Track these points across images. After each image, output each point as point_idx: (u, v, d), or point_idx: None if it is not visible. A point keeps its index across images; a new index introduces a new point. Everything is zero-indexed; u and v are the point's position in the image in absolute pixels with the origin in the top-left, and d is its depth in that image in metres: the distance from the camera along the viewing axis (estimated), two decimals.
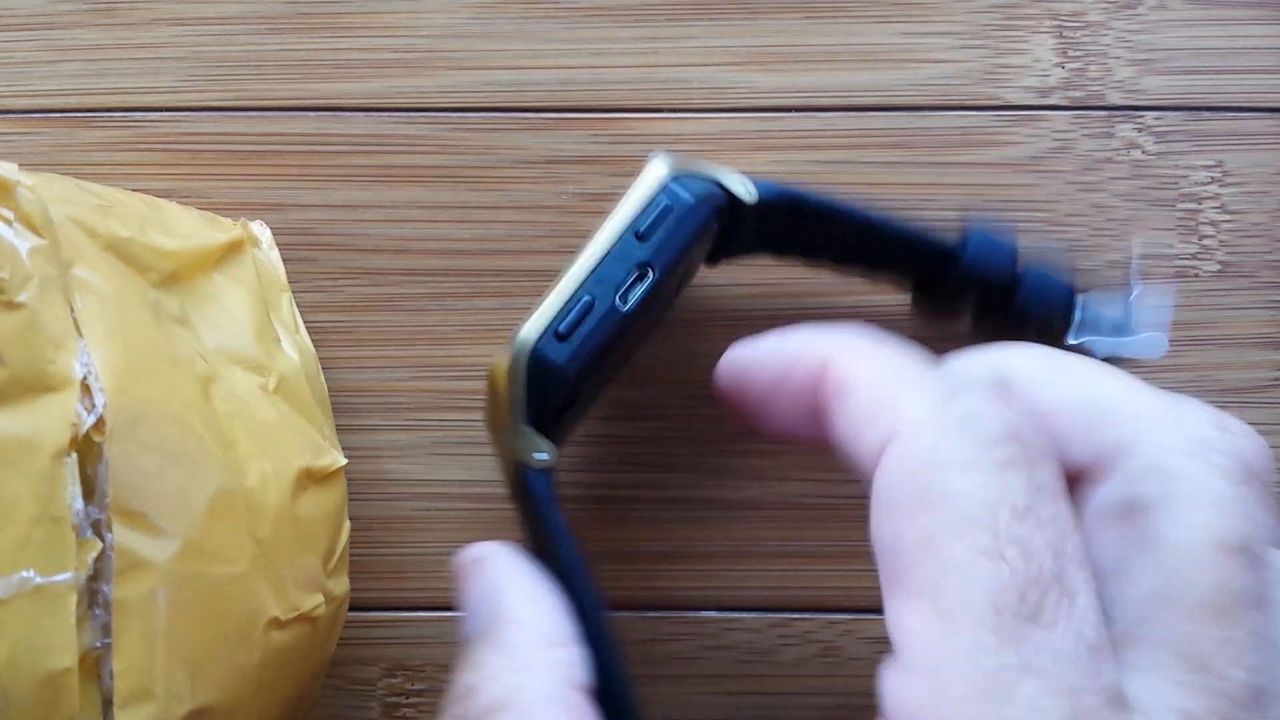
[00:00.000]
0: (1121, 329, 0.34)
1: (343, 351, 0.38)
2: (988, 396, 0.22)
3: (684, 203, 0.30)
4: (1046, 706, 0.19)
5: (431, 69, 0.39)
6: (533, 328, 0.28)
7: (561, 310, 0.28)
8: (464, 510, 0.37)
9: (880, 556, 0.22)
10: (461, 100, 0.39)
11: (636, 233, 0.29)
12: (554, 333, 0.28)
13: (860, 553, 0.29)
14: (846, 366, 0.24)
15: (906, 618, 0.21)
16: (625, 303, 0.29)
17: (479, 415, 0.37)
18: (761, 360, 0.27)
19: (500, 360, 0.28)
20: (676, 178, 0.30)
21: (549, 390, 0.28)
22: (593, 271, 0.29)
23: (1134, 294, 0.35)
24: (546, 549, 0.28)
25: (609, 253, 0.29)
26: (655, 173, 0.30)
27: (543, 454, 0.28)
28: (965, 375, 0.24)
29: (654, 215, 0.30)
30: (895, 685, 0.21)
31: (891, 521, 0.22)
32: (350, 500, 0.34)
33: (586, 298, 0.28)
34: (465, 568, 0.28)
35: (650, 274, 0.29)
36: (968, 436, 0.22)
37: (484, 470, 0.37)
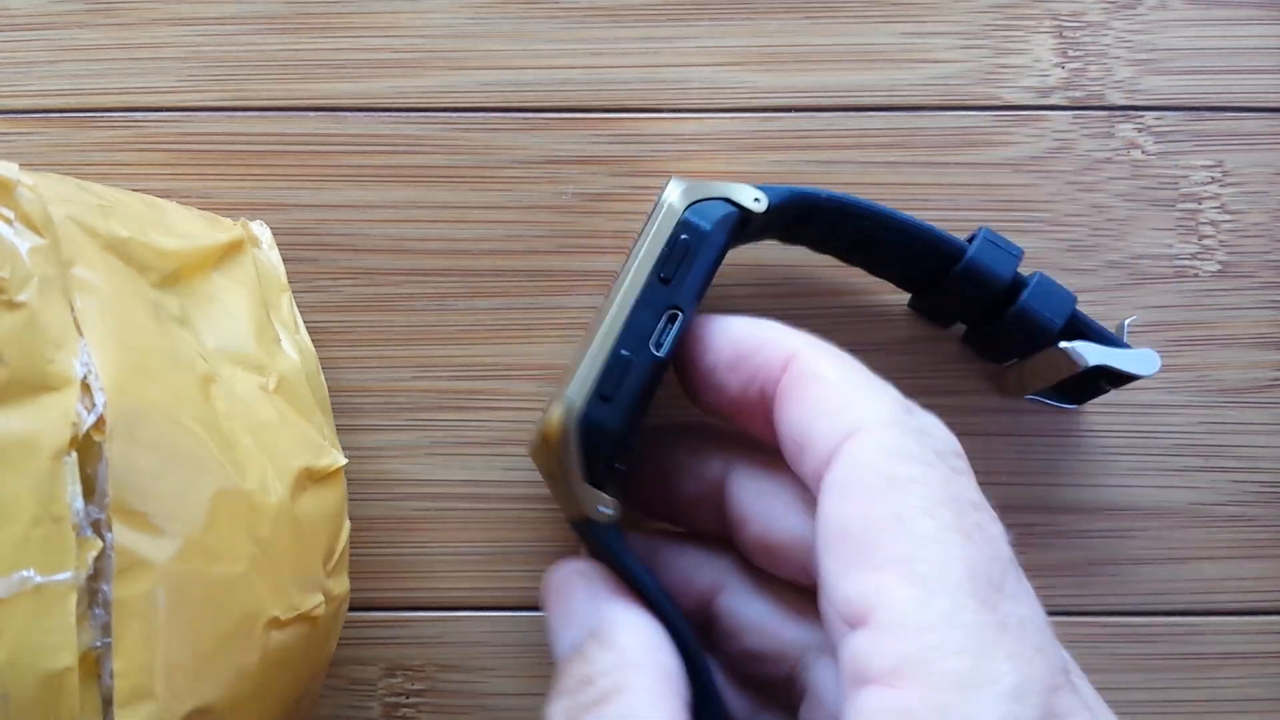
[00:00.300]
0: (1114, 342, 0.34)
1: (343, 351, 0.38)
2: (936, 420, 0.26)
3: (702, 233, 0.30)
4: (1027, 657, 0.22)
5: (431, 69, 0.39)
6: (577, 392, 0.29)
7: (603, 372, 0.29)
8: (464, 510, 0.37)
9: (836, 535, 0.24)
10: (461, 100, 0.39)
11: (660, 277, 0.30)
12: (598, 396, 0.29)
13: None
14: (812, 361, 0.27)
15: (881, 586, 0.22)
16: (660, 349, 0.30)
17: (479, 415, 0.37)
18: (728, 335, 0.29)
19: (552, 419, 0.29)
20: (691, 204, 0.31)
21: (601, 450, 0.29)
22: (625, 326, 0.29)
23: (1129, 319, 0.36)
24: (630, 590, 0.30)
25: (637, 301, 0.30)
26: (671, 200, 0.31)
27: (606, 508, 0.29)
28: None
29: (676, 254, 0.30)
30: (875, 645, 0.22)
31: (855, 502, 0.24)
32: (350, 500, 0.34)
33: (624, 353, 0.29)
34: (565, 580, 0.30)
35: (680, 315, 0.30)
36: (926, 444, 0.25)
37: (484, 470, 0.37)
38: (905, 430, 0.25)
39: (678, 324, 0.30)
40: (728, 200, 0.31)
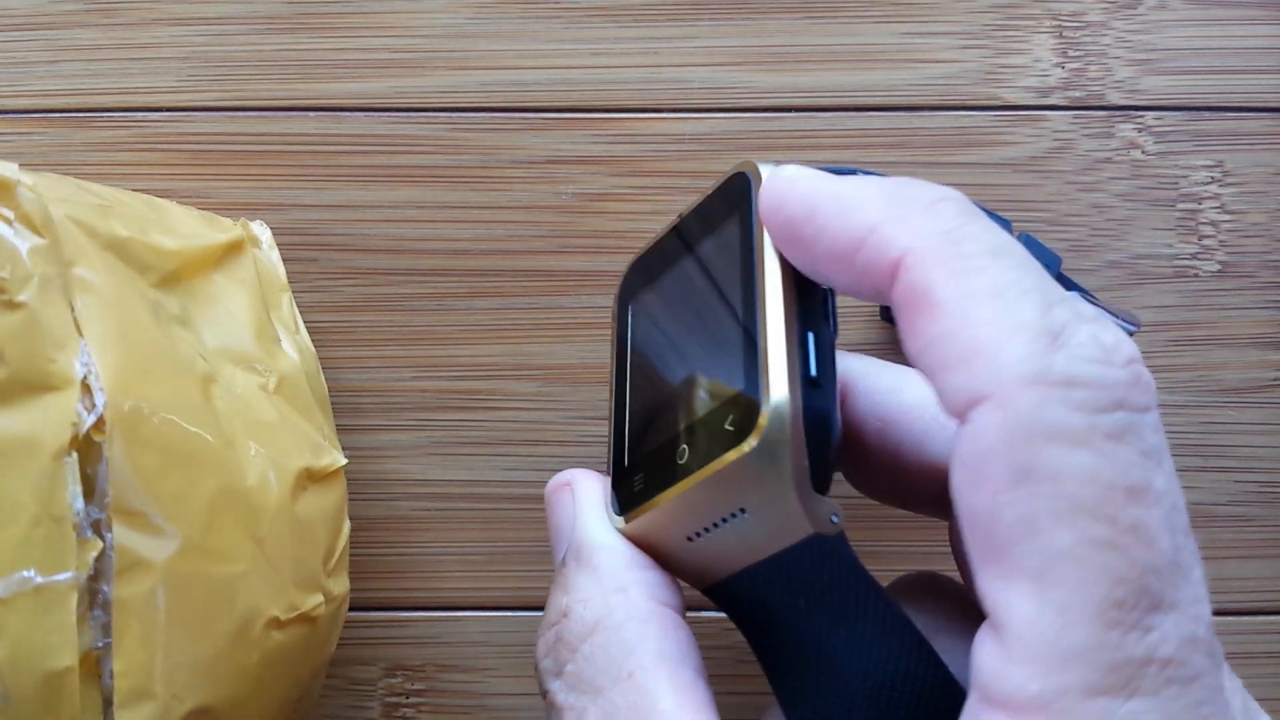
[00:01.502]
0: (1097, 304, 0.34)
1: (343, 351, 0.38)
2: (1094, 346, 0.20)
3: None
4: (1170, 695, 0.19)
5: (432, 69, 0.39)
6: (779, 385, 0.23)
7: (799, 356, 0.24)
8: (464, 510, 0.37)
9: (969, 522, 0.20)
10: (462, 100, 0.39)
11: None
12: (806, 381, 0.23)
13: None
14: (926, 276, 0.21)
15: (1011, 599, 0.20)
16: (830, 322, 0.25)
17: (479, 415, 0.37)
18: (828, 215, 0.23)
19: (762, 424, 0.23)
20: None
21: (826, 444, 0.24)
22: (796, 305, 0.24)
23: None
24: (863, 614, 0.24)
25: (789, 281, 0.24)
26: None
27: (836, 515, 0.24)
28: (1063, 302, 0.21)
29: None
30: (1007, 669, 0.19)
31: (985, 492, 0.20)
32: (350, 500, 0.34)
33: (810, 333, 0.24)
34: (553, 493, 0.28)
35: (827, 289, 0.25)
36: (1073, 404, 0.19)
37: (484, 470, 0.37)
38: (1047, 388, 0.19)
39: (833, 296, 0.25)
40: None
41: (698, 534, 0.25)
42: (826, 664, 0.24)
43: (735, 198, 0.26)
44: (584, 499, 0.27)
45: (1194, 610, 0.20)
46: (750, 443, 0.23)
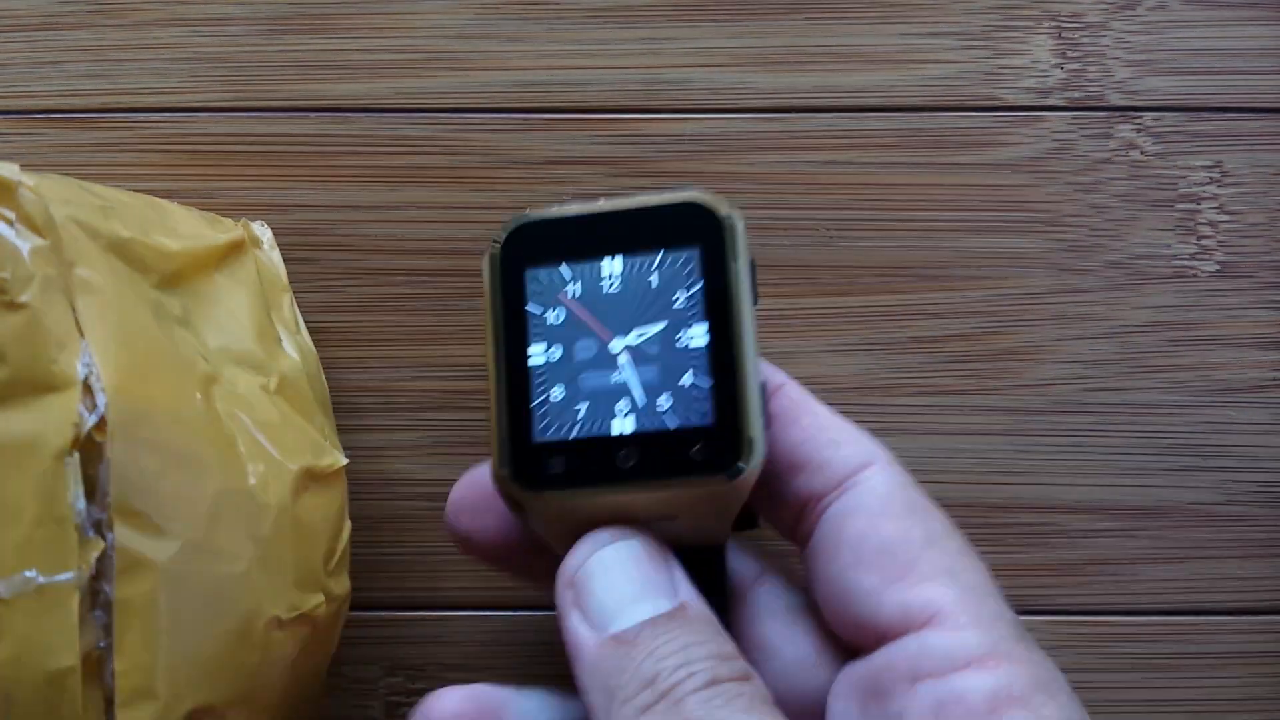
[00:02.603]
0: None
1: (344, 352, 0.38)
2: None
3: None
4: (1035, 643, 0.26)
5: (433, 70, 0.39)
6: (757, 431, 0.26)
7: (760, 399, 0.26)
8: None
9: (875, 552, 0.27)
10: (463, 101, 0.39)
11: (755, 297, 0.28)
12: (765, 424, 0.27)
13: None
14: (801, 393, 0.29)
15: (936, 594, 0.26)
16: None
17: (479, 415, 0.37)
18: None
19: (728, 474, 0.26)
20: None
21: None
22: (752, 355, 0.27)
23: None
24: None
25: (753, 324, 0.27)
26: (734, 216, 0.28)
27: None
28: None
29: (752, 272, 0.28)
30: (958, 638, 0.25)
31: (891, 524, 0.27)
32: (351, 500, 0.34)
33: (761, 382, 0.27)
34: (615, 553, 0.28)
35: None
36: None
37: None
38: (903, 468, 0.28)
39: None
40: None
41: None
42: None
43: (696, 227, 0.28)
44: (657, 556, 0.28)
45: None
46: (723, 479, 0.26)
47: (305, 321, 0.35)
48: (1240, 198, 0.38)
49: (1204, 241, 0.38)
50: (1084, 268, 0.38)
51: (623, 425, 0.27)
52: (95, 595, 0.27)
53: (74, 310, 0.28)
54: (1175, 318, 0.38)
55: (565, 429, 0.27)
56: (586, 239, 0.28)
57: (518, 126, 0.38)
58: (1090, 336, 0.38)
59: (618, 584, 0.26)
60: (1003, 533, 0.38)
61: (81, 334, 0.27)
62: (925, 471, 0.38)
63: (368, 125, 0.38)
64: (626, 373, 0.27)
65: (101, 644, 0.27)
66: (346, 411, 0.37)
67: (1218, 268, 0.38)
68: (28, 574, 0.26)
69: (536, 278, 0.28)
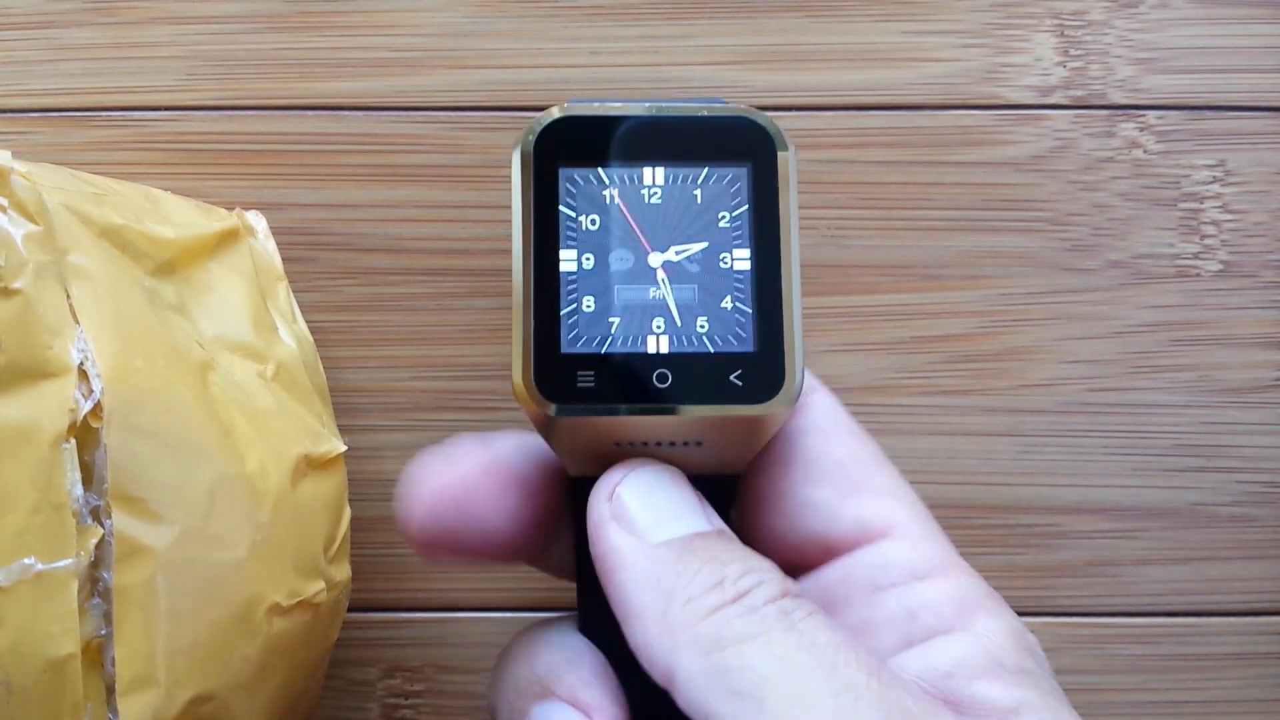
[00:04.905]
0: None
1: (342, 351, 0.38)
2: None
3: None
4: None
5: (431, 68, 0.39)
6: (800, 363, 0.26)
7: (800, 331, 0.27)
8: None
9: (832, 467, 0.28)
10: (461, 99, 0.39)
11: None
12: None
13: None
14: None
15: (886, 509, 0.27)
16: None
17: (479, 415, 0.37)
18: None
19: (769, 404, 0.26)
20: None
21: None
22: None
23: None
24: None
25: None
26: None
27: None
28: None
29: None
30: (916, 550, 0.26)
31: (844, 444, 0.28)
32: (351, 500, 0.34)
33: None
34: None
35: None
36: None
37: None
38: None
39: None
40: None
41: (634, 444, 0.26)
42: None
43: (748, 146, 0.27)
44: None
45: None
46: (764, 408, 0.26)
47: (304, 321, 0.35)
48: (1243, 197, 0.38)
49: (1207, 241, 0.38)
50: (1086, 267, 0.38)
51: (658, 344, 0.26)
52: (94, 582, 0.27)
53: (68, 297, 0.27)
54: (1178, 317, 0.38)
55: (597, 342, 0.26)
56: (629, 143, 0.27)
57: (517, 125, 0.38)
58: (1092, 336, 0.38)
59: (659, 502, 0.25)
60: (1004, 533, 0.38)
61: (76, 320, 0.27)
62: (925, 471, 0.38)
63: (365, 124, 0.38)
64: (664, 289, 0.26)
65: (101, 631, 0.27)
66: (344, 411, 0.37)
67: (1221, 267, 0.38)
68: (26, 561, 0.26)
69: (573, 178, 0.27)
